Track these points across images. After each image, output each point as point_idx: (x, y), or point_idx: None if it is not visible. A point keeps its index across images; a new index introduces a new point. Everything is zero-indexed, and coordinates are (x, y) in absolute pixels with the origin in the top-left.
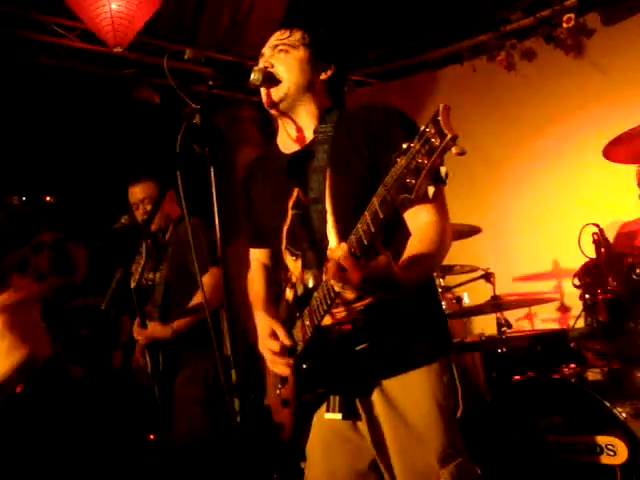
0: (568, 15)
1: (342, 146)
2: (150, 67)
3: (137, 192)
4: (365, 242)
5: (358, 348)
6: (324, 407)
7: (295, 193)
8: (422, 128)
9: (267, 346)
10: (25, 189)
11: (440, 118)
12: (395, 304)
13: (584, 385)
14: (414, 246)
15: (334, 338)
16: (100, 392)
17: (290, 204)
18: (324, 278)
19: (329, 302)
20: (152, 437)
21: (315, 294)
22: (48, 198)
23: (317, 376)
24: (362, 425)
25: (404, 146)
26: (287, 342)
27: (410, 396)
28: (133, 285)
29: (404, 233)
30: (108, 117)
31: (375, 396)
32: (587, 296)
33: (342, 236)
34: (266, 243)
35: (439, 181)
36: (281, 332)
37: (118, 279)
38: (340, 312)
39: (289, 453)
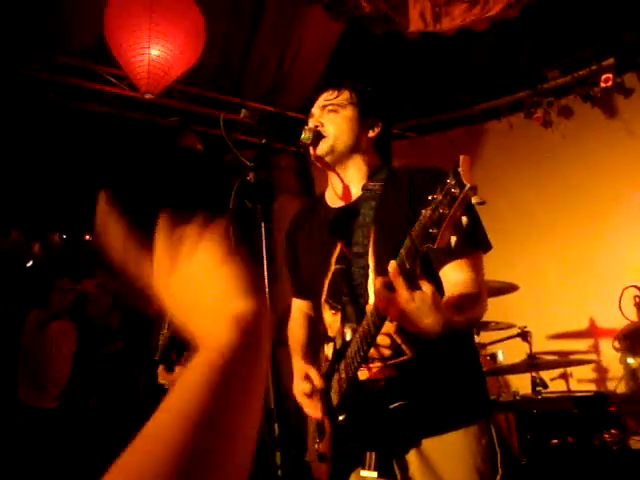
0: (606, 75)
1: (388, 204)
2: (194, 115)
3: None
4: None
5: (392, 406)
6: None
7: (339, 248)
8: (445, 179)
9: (299, 388)
10: (68, 228)
11: (460, 169)
12: (432, 362)
13: (626, 453)
14: (455, 295)
15: (369, 393)
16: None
17: (333, 258)
18: (359, 330)
19: (365, 348)
20: None
21: (351, 345)
22: (88, 237)
23: (352, 430)
24: None
25: (429, 198)
26: (318, 383)
27: (447, 458)
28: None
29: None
30: (153, 162)
31: (411, 455)
32: (630, 360)
33: None
34: (308, 295)
35: (469, 235)
36: (314, 374)
37: (170, 332)
38: (376, 367)
39: None
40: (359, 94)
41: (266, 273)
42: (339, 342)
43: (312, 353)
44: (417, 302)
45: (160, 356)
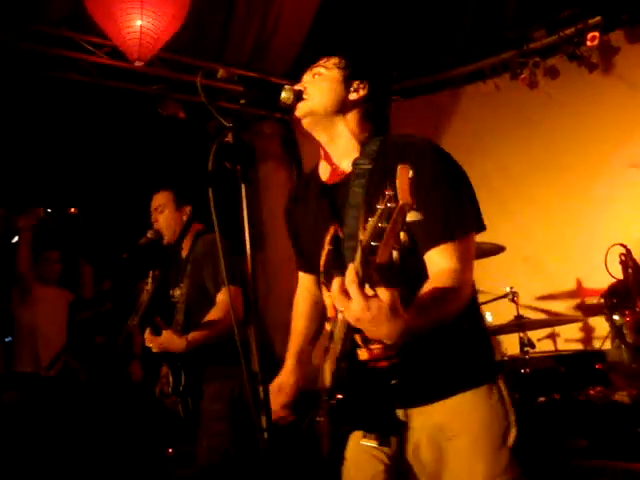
0: (592, 33)
1: (377, 182)
2: (175, 83)
3: (154, 200)
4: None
5: (394, 382)
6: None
7: (332, 229)
8: (385, 191)
9: (272, 398)
10: (52, 201)
11: (397, 182)
12: (434, 332)
13: (611, 408)
14: (427, 293)
15: (371, 374)
16: (119, 404)
17: (327, 238)
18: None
19: (343, 336)
20: (171, 451)
21: (337, 328)
22: (72, 210)
23: (351, 413)
24: (402, 449)
25: (377, 207)
26: (287, 401)
27: (455, 419)
28: (145, 297)
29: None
30: (134, 132)
31: (416, 422)
32: (615, 317)
33: None
34: (313, 270)
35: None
36: (286, 392)
37: (150, 295)
38: (377, 347)
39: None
40: (347, 57)
41: (247, 235)
42: (332, 324)
43: (312, 341)
44: (373, 311)
45: (139, 321)
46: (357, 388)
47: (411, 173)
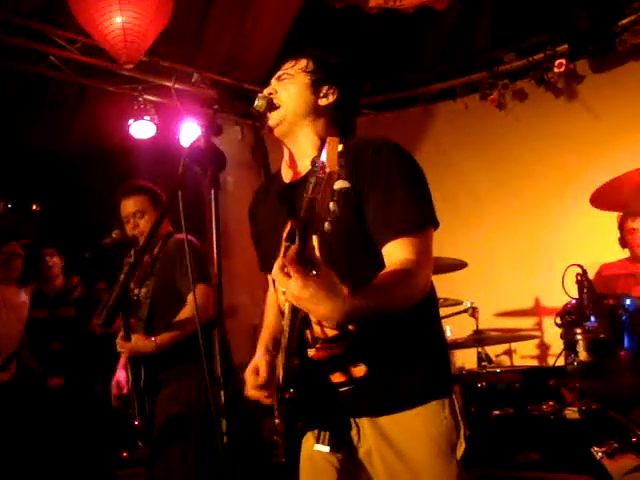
0: (559, 60)
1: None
2: (147, 84)
3: (129, 206)
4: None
5: (342, 389)
6: (310, 434)
7: (289, 225)
8: (317, 160)
9: (246, 379)
10: (14, 197)
11: (326, 153)
12: (382, 338)
13: (562, 423)
14: (377, 278)
15: (316, 372)
16: (76, 406)
17: (284, 235)
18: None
19: (290, 324)
20: (125, 454)
21: (284, 320)
22: (34, 207)
23: (300, 408)
24: (354, 456)
25: (310, 180)
26: (262, 380)
27: (405, 434)
28: (112, 295)
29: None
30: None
31: (367, 430)
32: (568, 335)
33: None
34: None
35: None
36: (262, 368)
37: (117, 296)
38: (322, 346)
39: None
40: (315, 61)
41: (215, 241)
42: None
43: (278, 332)
44: (311, 289)
45: (104, 320)
46: (308, 387)
47: (341, 146)
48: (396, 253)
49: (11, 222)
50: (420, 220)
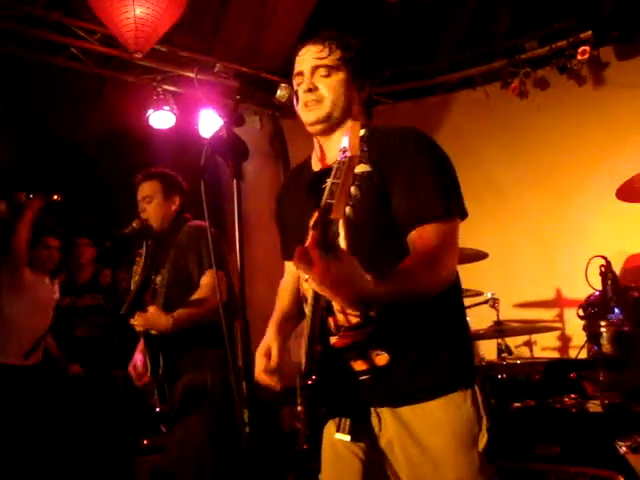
0: (583, 47)
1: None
2: (166, 74)
3: (141, 191)
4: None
5: (364, 378)
6: (332, 423)
7: (316, 213)
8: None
9: (257, 362)
10: (35, 188)
11: (348, 137)
12: (405, 327)
13: (584, 416)
14: (401, 265)
15: (338, 360)
16: (98, 394)
17: (311, 224)
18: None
19: (313, 310)
20: (146, 442)
21: (307, 307)
22: (55, 197)
23: (323, 397)
24: (375, 445)
25: (333, 165)
26: (274, 363)
27: (427, 425)
28: (133, 286)
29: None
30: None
31: (389, 420)
32: (591, 327)
33: None
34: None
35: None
36: (275, 351)
37: (139, 285)
38: (344, 334)
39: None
40: (352, 52)
41: (237, 232)
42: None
43: (291, 320)
44: (332, 274)
45: (127, 309)
46: (330, 374)
47: (362, 131)
48: (421, 240)
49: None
50: (446, 208)
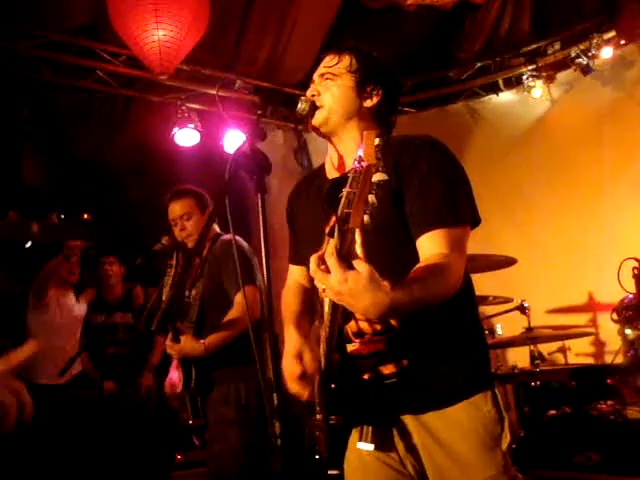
0: (606, 47)
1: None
2: (189, 92)
3: (176, 209)
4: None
5: (387, 382)
6: (355, 431)
7: (332, 220)
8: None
9: (289, 368)
10: (66, 208)
11: (363, 146)
12: (424, 334)
13: (624, 423)
14: (413, 271)
15: (357, 367)
16: (129, 410)
17: (327, 230)
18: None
19: (330, 319)
20: (179, 457)
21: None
22: (86, 216)
23: (342, 405)
24: (400, 453)
25: (349, 174)
26: (310, 368)
27: (451, 429)
28: (164, 298)
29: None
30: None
31: (412, 427)
32: (628, 331)
33: None
34: (304, 262)
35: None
36: (308, 356)
37: (170, 300)
38: (364, 340)
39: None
40: (360, 60)
41: (263, 245)
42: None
43: (306, 322)
44: (350, 283)
45: (157, 326)
46: (349, 382)
47: (378, 140)
48: (429, 246)
49: (64, 232)
50: (455, 215)
